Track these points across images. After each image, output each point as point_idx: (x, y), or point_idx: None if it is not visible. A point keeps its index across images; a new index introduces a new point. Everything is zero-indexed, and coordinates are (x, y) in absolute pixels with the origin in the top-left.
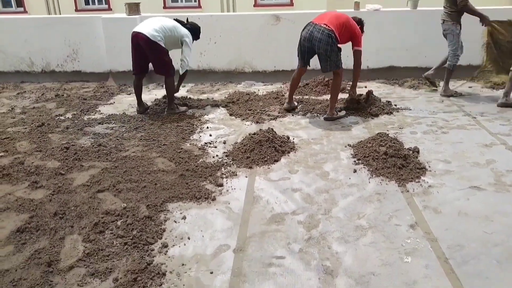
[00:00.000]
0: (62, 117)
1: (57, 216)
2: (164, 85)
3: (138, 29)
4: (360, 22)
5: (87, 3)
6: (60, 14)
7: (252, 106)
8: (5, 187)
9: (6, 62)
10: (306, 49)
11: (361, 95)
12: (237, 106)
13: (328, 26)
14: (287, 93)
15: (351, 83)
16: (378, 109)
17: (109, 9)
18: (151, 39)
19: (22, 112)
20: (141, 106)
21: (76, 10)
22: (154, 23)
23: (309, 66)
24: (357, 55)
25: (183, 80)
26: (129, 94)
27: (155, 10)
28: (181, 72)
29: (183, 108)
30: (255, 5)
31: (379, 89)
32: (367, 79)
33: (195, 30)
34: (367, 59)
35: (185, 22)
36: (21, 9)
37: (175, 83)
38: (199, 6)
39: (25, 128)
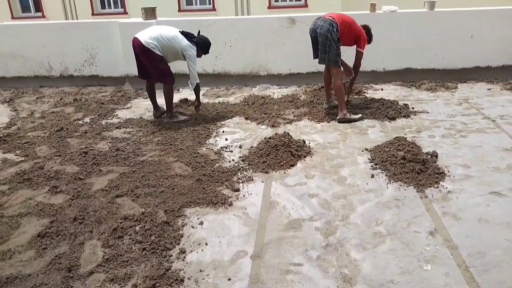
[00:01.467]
0: (80, 122)
1: (76, 221)
2: (163, 92)
3: (137, 34)
4: (366, 28)
5: (103, 7)
6: (77, 18)
7: (268, 109)
8: (26, 191)
9: (26, 67)
10: (313, 39)
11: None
12: (252, 110)
13: (332, 18)
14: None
15: (367, 85)
16: (395, 112)
17: (125, 13)
18: (144, 45)
19: (42, 116)
20: (157, 110)
21: (93, 14)
22: (153, 31)
23: None
24: (358, 56)
25: (199, 94)
26: (146, 98)
27: (170, 14)
28: (191, 89)
29: (182, 117)
30: (269, 7)
31: (396, 91)
32: (384, 81)
33: (203, 45)
34: (383, 61)
35: (193, 35)
36: (40, 13)
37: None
38: (214, 9)
39: (45, 133)
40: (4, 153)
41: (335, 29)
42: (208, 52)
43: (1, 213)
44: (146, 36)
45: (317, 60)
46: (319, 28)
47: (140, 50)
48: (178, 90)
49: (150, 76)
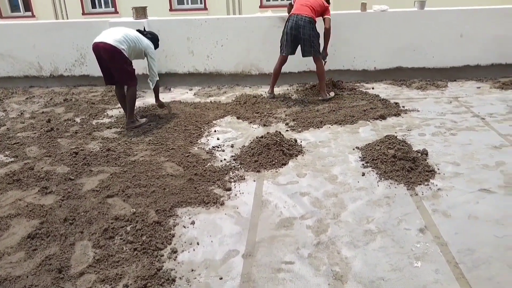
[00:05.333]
0: (70, 122)
1: (67, 222)
2: (127, 95)
3: (98, 39)
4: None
5: (94, 6)
6: (67, 17)
7: (259, 108)
8: (16, 192)
9: (15, 67)
10: (292, 37)
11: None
12: (244, 109)
13: (308, 15)
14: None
15: (358, 84)
16: (386, 110)
17: (116, 12)
18: (116, 48)
19: (31, 117)
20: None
21: (83, 13)
22: (115, 33)
23: (294, 54)
24: (327, 20)
25: (158, 92)
26: (137, 98)
27: (161, 13)
28: (151, 86)
29: (143, 120)
30: (261, 6)
31: (387, 90)
32: (375, 80)
33: (154, 40)
34: (374, 60)
35: (144, 31)
36: (29, 13)
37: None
38: (205, 8)
39: (35, 133)
40: None
41: (314, 26)
42: (158, 46)
43: None
44: (111, 39)
45: (289, 58)
46: (301, 28)
47: (110, 54)
48: (170, 89)
49: (118, 80)
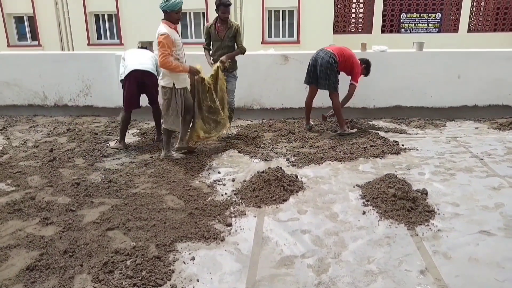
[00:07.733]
0: (73, 152)
1: (67, 254)
2: (154, 116)
3: (139, 66)
4: (366, 62)
5: (99, 37)
6: (73, 47)
7: (261, 143)
8: (16, 222)
9: (20, 96)
10: (311, 67)
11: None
12: (245, 143)
13: (332, 51)
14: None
15: (357, 121)
16: (385, 148)
17: (121, 43)
18: (154, 74)
19: (34, 146)
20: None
21: (89, 44)
22: (146, 60)
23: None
24: (351, 88)
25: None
26: (140, 129)
27: None
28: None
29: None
30: (263, 42)
31: (386, 128)
32: (374, 117)
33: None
34: (373, 98)
35: (141, 47)
36: (36, 42)
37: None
38: None
39: (37, 162)
40: None
41: (333, 61)
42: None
43: None
44: (148, 67)
45: (305, 85)
46: (320, 58)
47: (153, 80)
48: None
49: (154, 100)
